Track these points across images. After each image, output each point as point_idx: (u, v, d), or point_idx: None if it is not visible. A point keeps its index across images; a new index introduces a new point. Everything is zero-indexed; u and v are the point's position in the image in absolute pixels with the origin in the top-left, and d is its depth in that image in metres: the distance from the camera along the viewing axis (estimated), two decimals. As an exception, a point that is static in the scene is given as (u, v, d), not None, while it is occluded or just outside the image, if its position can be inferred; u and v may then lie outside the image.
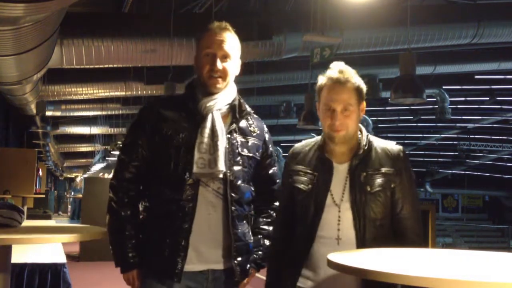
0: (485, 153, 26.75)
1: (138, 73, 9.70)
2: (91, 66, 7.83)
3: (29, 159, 11.36)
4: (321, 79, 1.99)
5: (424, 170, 31.81)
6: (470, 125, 21.84)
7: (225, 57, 2.03)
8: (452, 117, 14.65)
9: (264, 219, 2.20)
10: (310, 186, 1.97)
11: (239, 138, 2.08)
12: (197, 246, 1.96)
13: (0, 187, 10.20)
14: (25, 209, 8.42)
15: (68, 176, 32.11)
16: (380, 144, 2.01)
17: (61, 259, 3.96)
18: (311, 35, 6.66)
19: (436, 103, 13.22)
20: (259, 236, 2.16)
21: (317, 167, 1.99)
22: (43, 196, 15.27)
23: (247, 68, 9.24)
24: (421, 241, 1.99)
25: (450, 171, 32.13)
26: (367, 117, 16.18)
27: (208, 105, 2.01)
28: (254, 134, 2.14)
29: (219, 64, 2.00)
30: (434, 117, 14.99)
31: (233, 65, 2.07)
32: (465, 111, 19.44)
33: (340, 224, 1.92)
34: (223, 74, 2.02)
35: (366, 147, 1.97)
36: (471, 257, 1.80)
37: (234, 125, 2.07)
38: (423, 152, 29.10)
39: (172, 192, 1.97)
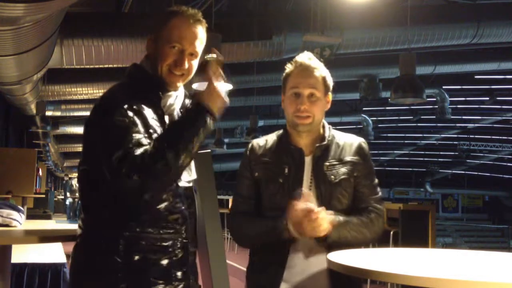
0: (485, 153, 26.78)
1: (138, 73, 9.68)
2: (91, 66, 7.82)
3: (29, 159, 11.35)
4: (289, 67, 1.97)
5: (424, 170, 31.84)
6: (470, 125, 21.87)
7: (192, 54, 1.76)
8: (452, 117, 14.67)
9: None
10: (281, 179, 1.91)
11: None
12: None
13: (0, 187, 10.19)
14: (25, 209, 8.41)
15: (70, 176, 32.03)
16: (343, 136, 2.01)
17: (61, 259, 3.96)
18: (311, 35, 6.66)
19: (436, 103, 13.22)
20: None
21: (286, 159, 1.94)
22: (43, 196, 15.27)
23: (247, 68, 9.24)
24: (380, 228, 1.97)
25: (450, 171, 32.16)
26: (367, 117, 16.18)
27: (172, 103, 1.78)
28: None
29: (186, 63, 1.74)
30: (434, 117, 15.01)
31: (196, 64, 1.79)
32: (465, 111, 19.47)
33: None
34: (187, 73, 1.76)
35: (329, 138, 1.96)
36: (471, 257, 1.80)
37: None
38: (423, 152, 29.14)
39: (173, 200, 1.72)
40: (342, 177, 1.92)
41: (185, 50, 1.73)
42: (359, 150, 1.97)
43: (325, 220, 1.78)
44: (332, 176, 1.90)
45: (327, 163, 1.92)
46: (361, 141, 2.00)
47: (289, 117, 1.94)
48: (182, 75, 1.76)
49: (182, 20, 1.73)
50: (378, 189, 2.01)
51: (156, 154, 1.55)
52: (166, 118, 1.75)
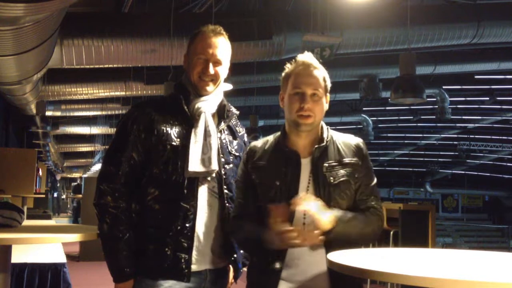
0: (485, 153, 26.79)
1: (138, 73, 9.69)
2: (91, 66, 7.82)
3: (29, 159, 11.33)
4: (289, 67, 1.99)
5: (424, 170, 31.84)
6: (470, 125, 21.86)
7: (217, 62, 2.04)
8: (452, 117, 14.66)
9: None
10: (278, 182, 1.91)
11: (228, 138, 2.13)
12: (197, 246, 1.97)
13: (0, 187, 10.19)
14: (25, 209, 8.42)
15: (68, 176, 31.99)
16: (341, 137, 2.02)
17: (61, 259, 3.96)
18: (311, 35, 6.66)
19: (436, 103, 13.22)
20: None
21: (283, 162, 1.94)
22: (43, 196, 15.25)
23: (247, 68, 9.24)
24: (380, 229, 1.97)
25: (450, 171, 32.17)
26: (367, 117, 16.18)
27: (199, 106, 2.03)
28: (240, 134, 2.21)
29: (211, 69, 2.03)
30: (434, 117, 15.00)
31: (224, 69, 2.09)
32: (465, 111, 19.47)
33: (306, 218, 1.87)
34: (215, 78, 2.05)
35: (328, 139, 1.96)
36: (471, 257, 1.80)
37: (222, 124, 2.11)
38: (423, 152, 29.14)
39: (170, 193, 1.96)
40: (342, 179, 1.91)
41: (209, 59, 2.02)
42: (358, 151, 1.97)
43: (323, 222, 1.79)
44: (331, 178, 1.90)
45: (326, 164, 1.92)
46: (359, 142, 2.01)
47: (291, 116, 1.92)
48: (212, 80, 2.04)
49: (204, 35, 2.05)
50: (377, 189, 2.01)
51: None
52: (202, 119, 2.01)
